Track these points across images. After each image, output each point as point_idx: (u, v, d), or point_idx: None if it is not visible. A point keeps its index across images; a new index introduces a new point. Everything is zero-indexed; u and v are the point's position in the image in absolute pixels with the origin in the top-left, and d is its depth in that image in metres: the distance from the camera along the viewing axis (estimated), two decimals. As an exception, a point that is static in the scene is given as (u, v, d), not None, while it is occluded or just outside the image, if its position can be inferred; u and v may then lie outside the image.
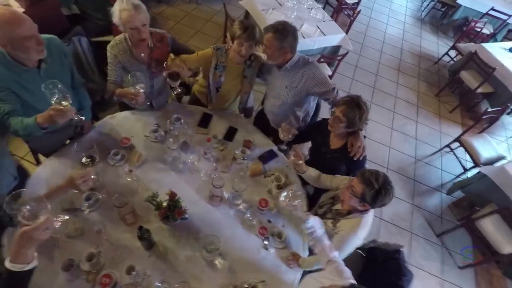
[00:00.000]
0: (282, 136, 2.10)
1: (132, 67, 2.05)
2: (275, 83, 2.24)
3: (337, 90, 2.16)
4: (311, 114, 2.55)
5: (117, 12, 1.79)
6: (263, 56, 2.16)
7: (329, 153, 2.07)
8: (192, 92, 2.63)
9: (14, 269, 1.04)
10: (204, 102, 2.52)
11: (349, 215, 1.66)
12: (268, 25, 2.01)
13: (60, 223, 1.13)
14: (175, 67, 1.99)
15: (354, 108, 1.80)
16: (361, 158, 1.94)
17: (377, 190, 1.47)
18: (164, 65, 2.06)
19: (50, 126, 1.53)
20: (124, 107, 2.34)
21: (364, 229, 1.61)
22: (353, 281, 1.28)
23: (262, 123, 2.57)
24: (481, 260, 3.03)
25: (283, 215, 1.99)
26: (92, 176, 1.53)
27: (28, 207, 1.05)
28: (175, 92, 2.11)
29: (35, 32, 1.49)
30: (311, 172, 1.97)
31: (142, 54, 2.01)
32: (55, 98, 1.44)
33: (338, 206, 1.76)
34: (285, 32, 1.95)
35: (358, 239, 1.60)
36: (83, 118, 1.65)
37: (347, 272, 1.40)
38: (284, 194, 1.58)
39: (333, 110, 1.90)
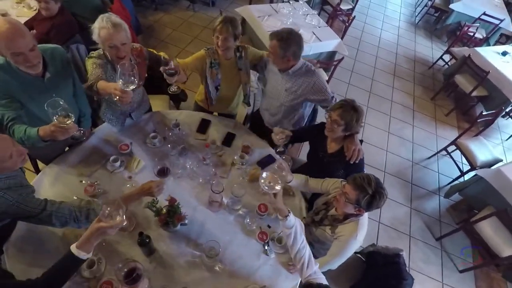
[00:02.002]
0: (276, 139, 2.11)
1: (111, 79, 1.92)
2: (275, 84, 2.27)
3: (336, 100, 2.19)
4: (306, 118, 2.58)
5: (96, 29, 1.75)
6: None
7: (326, 157, 2.08)
8: (195, 102, 2.66)
9: (79, 256, 1.19)
10: (205, 107, 2.54)
11: (345, 220, 1.66)
12: (274, 32, 2.03)
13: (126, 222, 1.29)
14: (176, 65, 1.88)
15: (351, 111, 1.82)
16: (357, 161, 1.94)
17: (371, 195, 1.48)
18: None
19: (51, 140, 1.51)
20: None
21: (362, 231, 1.62)
22: None
23: (257, 123, 2.60)
24: (481, 263, 3.03)
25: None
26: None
27: (109, 208, 1.21)
28: (171, 90, 1.99)
29: (24, 50, 1.47)
30: (298, 179, 1.97)
31: None
32: (57, 116, 1.41)
33: (333, 212, 1.76)
34: (289, 41, 1.97)
35: (359, 242, 1.61)
36: (83, 132, 1.64)
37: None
38: (266, 173, 1.48)
39: (329, 114, 1.91)
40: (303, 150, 3.64)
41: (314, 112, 2.78)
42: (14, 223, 1.65)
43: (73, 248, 1.20)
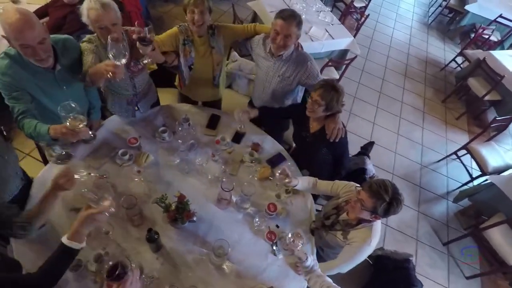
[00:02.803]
0: (237, 117, 2.13)
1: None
2: (267, 71, 2.21)
3: None
4: (298, 102, 2.54)
5: (85, 11, 1.68)
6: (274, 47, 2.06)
7: (309, 137, 2.08)
8: (178, 91, 2.62)
9: (71, 246, 1.15)
10: (184, 92, 2.50)
11: (358, 225, 1.62)
12: (283, 14, 1.92)
13: (113, 209, 1.25)
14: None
15: (331, 91, 1.81)
16: (337, 140, 1.94)
17: (388, 203, 1.43)
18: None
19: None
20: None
21: (376, 238, 1.58)
22: None
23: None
24: (488, 270, 3.00)
25: (291, 221, 1.97)
26: (78, 176, 1.49)
27: (92, 193, 1.22)
28: (144, 61, 1.84)
29: (33, 43, 1.43)
30: (304, 183, 1.94)
31: None
32: (69, 120, 1.41)
33: (344, 216, 1.72)
34: (301, 18, 1.95)
35: (372, 248, 1.57)
36: (94, 135, 1.70)
37: None
38: (290, 235, 1.57)
39: (310, 94, 1.90)
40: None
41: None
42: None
43: (65, 239, 1.16)
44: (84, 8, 1.70)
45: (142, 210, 1.77)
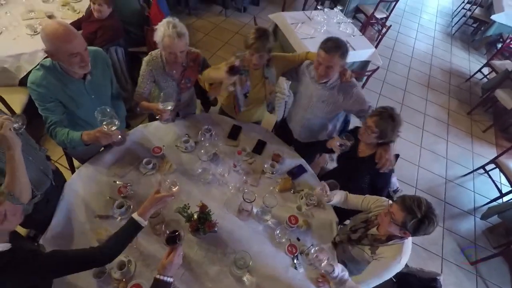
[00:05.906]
0: (336, 148, 1.97)
1: (162, 81, 2.12)
2: (309, 95, 2.17)
3: (372, 109, 2.11)
4: (338, 128, 2.49)
5: (161, 33, 1.85)
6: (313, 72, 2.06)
7: (354, 161, 2.02)
8: (220, 107, 2.67)
9: (139, 221, 1.36)
10: (232, 114, 2.51)
11: (388, 241, 1.55)
12: (326, 46, 1.86)
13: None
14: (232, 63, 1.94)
15: (388, 120, 1.76)
16: (386, 171, 1.88)
17: (419, 220, 1.37)
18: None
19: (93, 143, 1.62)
20: (153, 118, 2.37)
21: (406, 256, 1.51)
22: None
23: (284, 133, 2.52)
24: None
25: (312, 234, 1.94)
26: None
27: (168, 180, 1.53)
28: (231, 88, 2.10)
29: (81, 50, 1.53)
30: (338, 198, 1.87)
31: (174, 71, 2.09)
32: (105, 123, 1.54)
33: (373, 231, 1.66)
34: (346, 48, 1.89)
35: (401, 266, 1.51)
36: (124, 138, 1.81)
37: None
38: (313, 250, 1.52)
39: (365, 119, 1.85)
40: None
41: (346, 123, 2.69)
42: (48, 220, 1.70)
43: (135, 215, 1.37)
44: (160, 31, 1.86)
45: (164, 219, 1.79)
